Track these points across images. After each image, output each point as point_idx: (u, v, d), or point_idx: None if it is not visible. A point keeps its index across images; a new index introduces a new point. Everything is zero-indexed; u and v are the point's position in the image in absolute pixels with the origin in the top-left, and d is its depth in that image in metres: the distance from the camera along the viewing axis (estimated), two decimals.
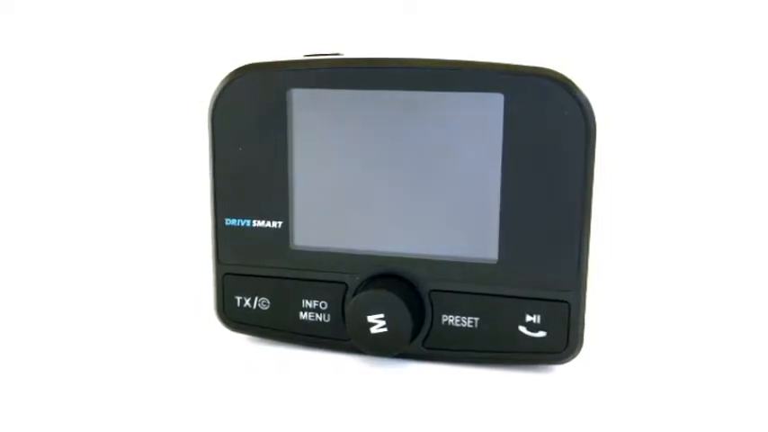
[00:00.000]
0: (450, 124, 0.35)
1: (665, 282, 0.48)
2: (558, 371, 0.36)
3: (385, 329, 0.36)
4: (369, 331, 0.36)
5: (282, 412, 0.33)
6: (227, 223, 0.38)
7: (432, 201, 0.36)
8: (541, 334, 0.35)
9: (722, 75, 0.60)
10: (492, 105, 0.34)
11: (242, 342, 0.39)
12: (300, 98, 0.36)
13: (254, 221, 0.38)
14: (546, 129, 0.34)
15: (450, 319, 0.36)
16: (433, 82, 0.34)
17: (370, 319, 0.36)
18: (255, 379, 0.36)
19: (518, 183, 0.34)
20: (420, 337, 0.37)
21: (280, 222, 0.37)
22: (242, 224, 0.38)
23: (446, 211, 0.36)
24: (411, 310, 0.35)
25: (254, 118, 0.37)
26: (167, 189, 0.63)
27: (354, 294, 0.37)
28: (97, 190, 0.65)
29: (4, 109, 0.69)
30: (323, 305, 0.38)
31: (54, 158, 0.68)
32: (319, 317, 0.38)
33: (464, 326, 0.36)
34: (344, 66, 0.36)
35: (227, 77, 0.37)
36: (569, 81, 0.33)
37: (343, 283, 0.37)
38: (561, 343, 0.35)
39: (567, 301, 0.35)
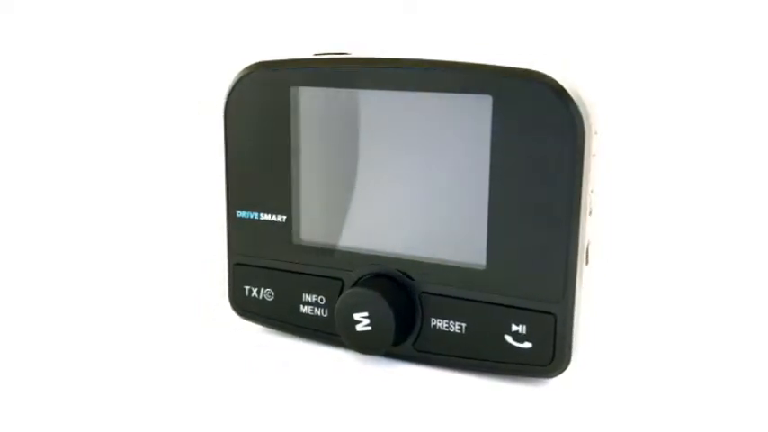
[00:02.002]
0: (439, 125, 0.34)
1: (664, 292, 0.46)
2: (547, 382, 0.35)
3: (369, 328, 0.36)
4: (354, 329, 0.36)
5: (272, 408, 0.33)
6: (238, 215, 0.39)
7: (425, 202, 0.36)
8: (527, 345, 0.34)
9: (722, 77, 0.55)
10: (480, 107, 0.33)
11: (252, 331, 0.40)
12: (305, 96, 0.37)
13: (262, 215, 0.39)
14: (535, 132, 0.32)
15: (439, 323, 0.36)
16: (420, 82, 0.34)
17: (356, 316, 0.36)
18: (253, 376, 0.36)
19: (506, 187, 0.33)
20: (411, 339, 0.36)
21: (284, 217, 0.38)
22: (251, 216, 0.39)
23: (438, 212, 0.35)
24: (395, 311, 0.35)
25: (263, 114, 0.38)
26: (186, 183, 0.63)
27: None
28: (114, 188, 0.66)
29: (6, 109, 0.70)
30: (321, 300, 0.38)
31: (57, 158, 0.68)
32: (318, 311, 0.38)
33: (452, 330, 0.36)
34: (343, 66, 0.36)
35: (238, 75, 0.38)
36: (558, 84, 0.32)
37: (340, 279, 0.38)
38: (547, 356, 0.34)
39: (553, 313, 0.33)
